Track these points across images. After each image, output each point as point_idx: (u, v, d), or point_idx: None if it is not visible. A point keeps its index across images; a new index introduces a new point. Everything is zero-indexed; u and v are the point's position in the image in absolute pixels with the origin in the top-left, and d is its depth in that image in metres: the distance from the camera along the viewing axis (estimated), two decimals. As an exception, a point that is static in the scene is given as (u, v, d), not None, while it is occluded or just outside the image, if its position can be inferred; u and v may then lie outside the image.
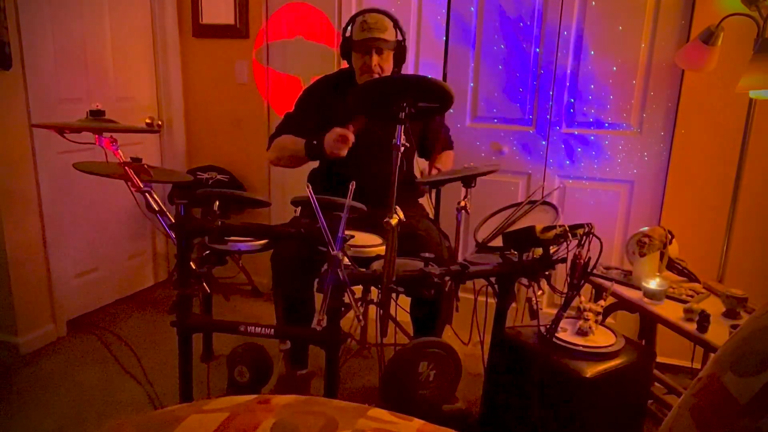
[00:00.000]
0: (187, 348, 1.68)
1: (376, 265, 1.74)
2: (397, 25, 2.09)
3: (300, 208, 1.69)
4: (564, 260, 1.62)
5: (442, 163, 2.26)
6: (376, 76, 2.07)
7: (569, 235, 1.57)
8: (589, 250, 1.55)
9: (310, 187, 1.46)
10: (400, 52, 2.13)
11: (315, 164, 2.32)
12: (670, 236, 2.02)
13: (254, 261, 3.06)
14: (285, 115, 2.29)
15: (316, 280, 1.59)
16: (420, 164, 2.27)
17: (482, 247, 1.77)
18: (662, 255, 2.01)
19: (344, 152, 1.96)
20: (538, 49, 2.61)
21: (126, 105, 3.02)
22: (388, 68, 2.12)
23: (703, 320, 1.64)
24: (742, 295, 1.75)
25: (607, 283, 2.01)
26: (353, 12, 2.77)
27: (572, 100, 2.60)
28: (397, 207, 1.47)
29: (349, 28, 2.12)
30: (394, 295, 1.55)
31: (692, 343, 1.69)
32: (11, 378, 2.32)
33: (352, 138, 1.95)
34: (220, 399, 0.79)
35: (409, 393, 1.55)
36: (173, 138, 3.30)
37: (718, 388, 0.63)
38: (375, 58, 2.05)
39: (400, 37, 2.11)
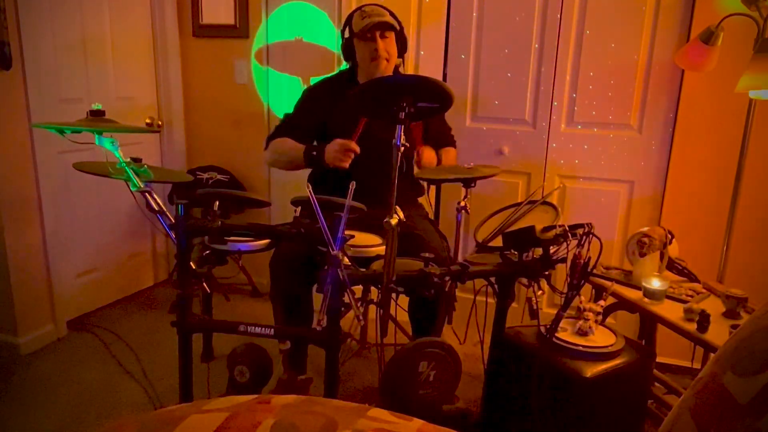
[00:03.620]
0: (187, 348, 1.68)
1: (376, 265, 1.74)
2: (393, 15, 2.11)
3: (300, 208, 1.69)
4: (564, 260, 1.62)
5: (445, 157, 2.26)
6: (385, 62, 2.09)
7: (569, 235, 1.57)
8: (589, 250, 1.55)
9: (310, 187, 1.46)
10: (401, 40, 2.15)
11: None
12: (670, 236, 2.02)
13: (254, 261, 3.06)
14: (284, 116, 2.29)
15: (315, 282, 1.59)
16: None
17: (482, 247, 1.77)
18: (662, 255, 2.01)
19: (347, 164, 1.95)
20: (538, 49, 2.61)
21: (126, 105, 3.02)
22: (394, 53, 2.13)
23: (703, 320, 1.64)
24: (742, 295, 1.75)
25: (607, 283, 2.01)
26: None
27: (572, 99, 2.60)
28: (397, 207, 1.47)
29: (347, 28, 2.13)
30: (394, 295, 1.55)
31: (692, 343, 1.69)
32: (11, 378, 2.32)
33: (357, 149, 1.95)
34: (220, 399, 0.79)
35: (409, 393, 1.55)
36: (173, 138, 3.30)
37: (718, 388, 0.63)
38: (381, 42, 2.06)
39: (398, 26, 2.13)
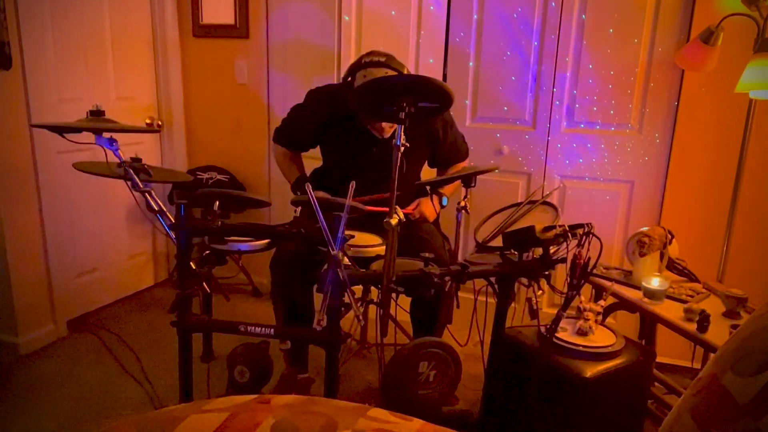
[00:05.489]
0: (187, 348, 1.68)
1: (376, 265, 1.74)
2: (395, 62, 1.95)
3: (300, 208, 1.69)
4: (564, 260, 1.62)
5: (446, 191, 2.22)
6: (387, 130, 2.05)
7: (569, 235, 1.57)
8: (589, 250, 1.55)
9: (310, 186, 1.46)
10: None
11: (316, 164, 2.32)
12: (670, 236, 2.02)
13: (254, 261, 3.06)
14: (293, 108, 2.24)
15: (316, 282, 1.59)
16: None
17: (482, 247, 1.77)
18: (662, 255, 2.01)
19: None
20: (538, 50, 2.61)
21: (126, 105, 3.02)
22: None
23: (703, 320, 1.64)
24: (742, 295, 1.75)
25: (607, 283, 2.01)
26: (353, 12, 2.78)
27: (573, 99, 2.60)
28: (397, 207, 1.47)
29: (350, 78, 2.00)
30: (394, 295, 1.55)
31: (692, 343, 1.69)
32: (11, 378, 2.32)
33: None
34: (220, 399, 0.79)
35: (409, 393, 1.55)
36: (173, 138, 3.30)
37: (718, 388, 0.63)
38: (386, 125, 2.02)
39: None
